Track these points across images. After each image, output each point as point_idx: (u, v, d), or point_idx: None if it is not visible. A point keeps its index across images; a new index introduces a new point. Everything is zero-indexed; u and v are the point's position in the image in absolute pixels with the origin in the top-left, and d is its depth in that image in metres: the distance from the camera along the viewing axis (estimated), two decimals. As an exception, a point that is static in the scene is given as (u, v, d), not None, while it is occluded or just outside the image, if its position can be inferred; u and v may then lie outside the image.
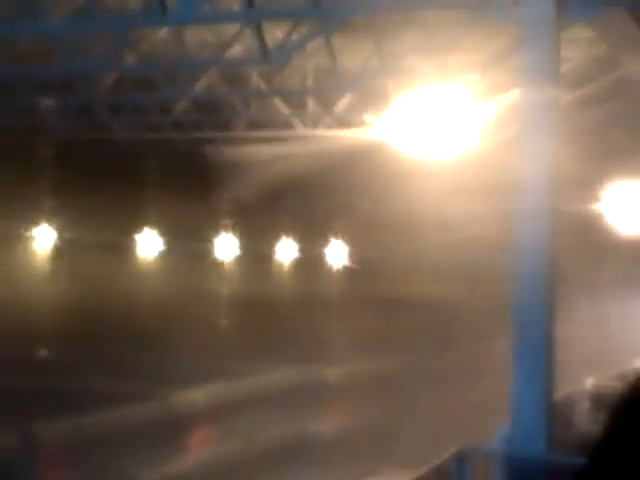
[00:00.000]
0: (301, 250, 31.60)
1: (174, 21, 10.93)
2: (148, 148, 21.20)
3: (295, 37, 12.61)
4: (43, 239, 24.84)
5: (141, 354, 14.81)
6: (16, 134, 20.35)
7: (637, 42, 11.46)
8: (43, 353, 16.07)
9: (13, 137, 20.62)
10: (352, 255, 30.32)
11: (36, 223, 24.60)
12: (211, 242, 28.41)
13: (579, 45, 12.72)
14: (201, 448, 11.68)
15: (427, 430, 14.21)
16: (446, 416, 14.16)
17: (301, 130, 16.34)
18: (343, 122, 16.07)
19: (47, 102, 16.92)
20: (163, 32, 13.40)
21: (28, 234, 24.69)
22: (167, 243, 27.57)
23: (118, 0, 11.77)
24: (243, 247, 29.33)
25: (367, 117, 15.31)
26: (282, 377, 13.71)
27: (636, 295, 23.53)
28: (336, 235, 30.54)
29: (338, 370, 14.63)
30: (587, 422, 10.08)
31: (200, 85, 15.26)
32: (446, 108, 12.14)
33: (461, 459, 7.28)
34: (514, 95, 9.28)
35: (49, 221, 24.71)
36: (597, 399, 10.54)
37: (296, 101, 16.16)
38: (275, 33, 12.58)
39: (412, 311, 21.02)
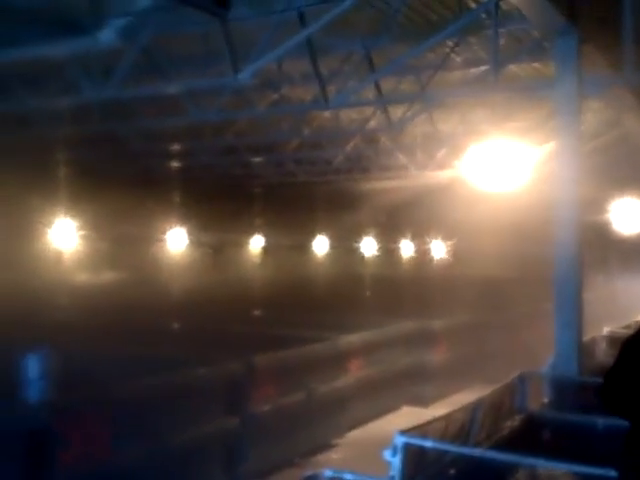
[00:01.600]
0: (416, 247, 31.67)
1: (333, 106, 11.06)
2: (318, 187, 21.46)
3: (409, 113, 12.68)
4: (256, 244, 25.43)
5: (316, 314, 14.98)
6: (237, 179, 20.84)
7: (634, 108, 11.21)
8: (258, 313, 16.29)
9: (236, 181, 21.13)
10: (447, 250, 30.37)
11: (252, 234, 25.24)
12: (358, 243, 28.68)
13: (593, 111, 12.48)
14: (356, 370, 11.71)
15: (500, 361, 14.10)
16: (512, 352, 13.95)
17: (413, 172, 16.38)
18: (440, 166, 16.06)
19: (257, 159, 17.30)
20: (326, 113, 13.63)
21: (247, 241, 25.31)
22: (332, 245, 27.97)
23: (303, 93, 11.92)
24: (378, 246, 29.56)
25: (455, 162, 15.28)
26: (405, 327, 13.71)
27: (634, 274, 23.53)
28: (436, 236, 30.52)
29: (440, 323, 14.53)
30: (604, 356, 9.89)
31: (350, 145, 15.43)
32: (507, 154, 11.97)
33: (522, 380, 7.22)
34: (552, 145, 9.24)
35: (260, 232, 25.32)
36: (611, 340, 10.26)
37: (410, 153, 16.19)
38: (396, 111, 12.67)
39: (488, 285, 20.78)
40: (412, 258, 32.43)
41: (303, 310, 15.66)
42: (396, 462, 4.57)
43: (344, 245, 28.20)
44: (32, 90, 10.40)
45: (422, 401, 13.12)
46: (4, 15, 6.96)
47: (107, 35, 6.49)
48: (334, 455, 10.36)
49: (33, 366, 6.25)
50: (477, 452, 5.34)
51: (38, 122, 12.60)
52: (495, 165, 12.32)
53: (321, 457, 10.11)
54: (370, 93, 11.19)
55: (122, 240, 21.62)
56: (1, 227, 18.13)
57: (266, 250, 25.59)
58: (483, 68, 10.46)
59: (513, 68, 10.37)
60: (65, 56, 8.31)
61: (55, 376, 6.35)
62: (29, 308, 14.63)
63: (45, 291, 17.61)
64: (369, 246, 29.31)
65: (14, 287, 16.68)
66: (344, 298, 19.29)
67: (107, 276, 21.06)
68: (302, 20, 7.69)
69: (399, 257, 32.10)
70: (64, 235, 19.99)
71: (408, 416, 12.34)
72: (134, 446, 7.20)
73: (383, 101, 11.36)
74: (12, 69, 9.66)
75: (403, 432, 4.77)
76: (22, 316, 13.33)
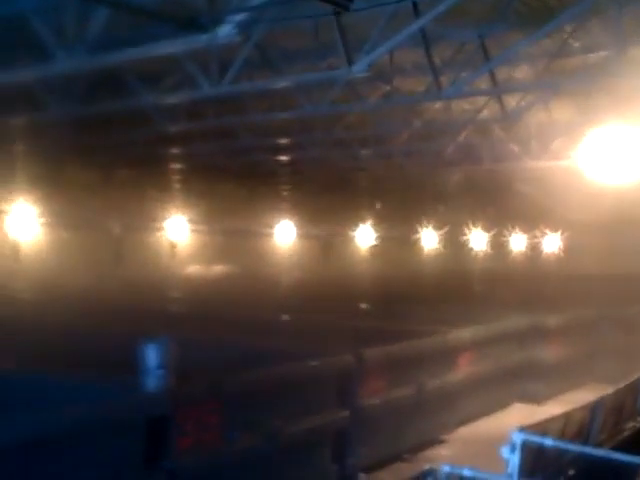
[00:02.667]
0: (527, 240, 30.93)
1: (447, 97, 10.93)
2: (428, 177, 21.18)
3: (523, 102, 12.37)
4: (364, 236, 25.47)
5: (425, 308, 14.84)
6: (345, 172, 20.86)
7: None
8: (367, 305, 16.27)
9: (344, 174, 21.16)
10: (559, 243, 29.42)
11: (360, 226, 25.32)
12: (467, 235, 28.27)
13: None
14: (466, 365, 11.51)
15: (615, 359, 13.60)
16: (627, 351, 13.43)
17: (527, 162, 15.98)
18: (555, 156, 15.58)
19: (364, 151, 17.28)
20: (437, 104, 13.46)
21: (355, 234, 25.37)
22: (440, 238, 27.68)
23: (415, 84, 11.84)
24: (488, 239, 29.02)
25: (571, 153, 14.79)
26: (517, 323, 13.37)
27: None
28: (548, 230, 29.70)
29: (554, 318, 14.09)
30: None
31: (461, 136, 15.20)
32: (627, 144, 11.51)
33: (646, 379, 6.94)
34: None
35: (368, 225, 25.36)
36: None
37: (524, 144, 15.79)
38: (510, 100, 12.38)
39: (602, 280, 20.09)
40: (523, 251, 31.70)
41: (412, 303, 15.54)
42: (514, 459, 4.47)
43: (452, 237, 27.84)
44: (149, 87, 10.74)
45: (533, 398, 12.80)
46: (124, 15, 7.21)
47: (225, 31, 6.63)
48: (443, 451, 10.23)
49: (152, 355, 6.43)
50: (600, 452, 5.15)
51: (154, 118, 13.00)
52: (613, 155, 11.86)
53: (430, 453, 10.01)
54: (483, 82, 10.99)
55: (232, 233, 22.11)
56: (118, 223, 18.86)
57: (374, 243, 25.58)
58: (602, 53, 10.08)
59: (635, 52, 9.93)
60: (183, 53, 8.54)
61: (172, 365, 6.52)
62: (147, 299, 15.19)
63: (161, 283, 18.23)
64: (478, 239, 28.82)
65: (133, 279, 17.36)
66: (453, 291, 19.04)
67: (218, 269, 21.59)
68: (416, 10, 7.61)
69: (510, 250, 31.43)
70: (177, 229, 20.63)
71: (519, 413, 12.07)
72: (246, 436, 7.31)
73: (497, 90, 11.12)
74: (131, 67, 10.01)
75: (522, 429, 4.65)
76: (140, 307, 13.86)
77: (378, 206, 24.64)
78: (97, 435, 5.59)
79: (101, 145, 16.14)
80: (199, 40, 6.93)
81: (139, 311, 12.87)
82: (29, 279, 16.28)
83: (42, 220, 17.35)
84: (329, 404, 8.55)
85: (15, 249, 16.81)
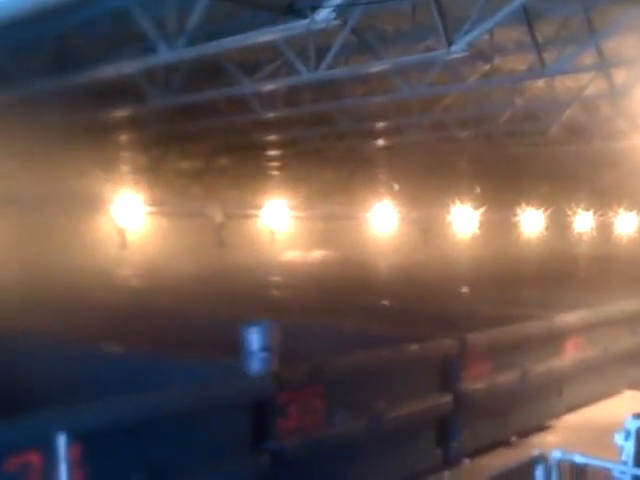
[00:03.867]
0: (634, 221, 29.83)
1: (551, 74, 10.66)
2: (530, 158, 20.65)
3: (632, 77, 11.91)
4: (464, 220, 25.08)
5: (528, 291, 14.58)
6: (443, 155, 20.61)
7: None
8: (467, 289, 16.06)
9: (442, 157, 20.92)
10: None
11: (458, 210, 24.93)
12: (571, 217, 27.48)
13: None
14: (573, 350, 11.25)
15: None
16: None
17: (637, 140, 15.42)
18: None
19: (464, 133, 17.03)
20: (540, 82, 13.13)
21: (453, 217, 25.01)
22: (542, 219, 27.01)
23: (516, 62, 11.60)
24: (594, 220, 28.13)
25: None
26: (627, 306, 12.94)
27: None
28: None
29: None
30: None
31: (566, 114, 14.78)
32: None
33: None
34: None
35: (467, 207, 24.93)
36: None
37: (633, 120, 15.18)
38: (618, 75, 11.96)
39: None
40: (631, 232, 30.57)
41: (516, 287, 15.28)
42: (629, 447, 4.38)
43: (556, 219, 27.14)
44: (247, 74, 10.92)
45: (645, 385, 12.40)
46: (224, 5, 7.37)
47: (323, 16, 6.68)
48: (551, 438, 10.07)
49: (256, 339, 6.61)
50: None
51: (252, 105, 13.21)
52: None
53: (537, 439, 9.87)
54: (588, 58, 10.65)
55: (330, 218, 22.25)
56: (219, 209, 19.30)
57: (475, 225, 25.20)
58: None
59: None
60: (281, 39, 8.65)
61: (276, 349, 6.69)
62: (248, 284, 15.55)
63: (261, 268, 18.59)
64: (583, 220, 27.99)
65: (235, 265, 17.76)
66: (558, 274, 18.60)
67: (317, 254, 21.80)
68: (517, -14, 7.46)
69: (616, 231, 30.38)
70: (276, 215, 20.92)
71: (631, 401, 11.70)
72: (349, 419, 7.41)
73: (604, 65, 10.74)
74: (229, 55, 10.21)
75: (637, 416, 4.54)
76: (242, 292, 14.19)
77: (478, 188, 24.25)
78: (205, 415, 5.80)
79: (201, 133, 16.53)
80: (298, 26, 7.01)
81: (241, 296, 13.19)
82: (136, 266, 16.90)
83: (146, 209, 17.93)
84: (432, 388, 8.56)
85: (122, 237, 17.45)
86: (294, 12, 6.58)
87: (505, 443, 9.47)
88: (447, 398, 8.70)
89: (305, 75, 9.42)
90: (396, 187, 23.35)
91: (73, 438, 4.49)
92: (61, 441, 4.35)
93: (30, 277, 13.38)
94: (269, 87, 11.29)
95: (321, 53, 9.18)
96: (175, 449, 5.63)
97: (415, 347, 8.38)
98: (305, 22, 6.75)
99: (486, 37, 9.81)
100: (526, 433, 9.89)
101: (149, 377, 6.50)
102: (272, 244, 21.15)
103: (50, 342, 8.12)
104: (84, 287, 12.94)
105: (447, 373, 8.78)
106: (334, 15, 6.72)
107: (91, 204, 16.98)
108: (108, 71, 9.64)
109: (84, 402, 5.02)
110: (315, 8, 6.62)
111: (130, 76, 10.62)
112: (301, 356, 7.38)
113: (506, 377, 9.62)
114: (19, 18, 6.34)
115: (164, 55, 8.33)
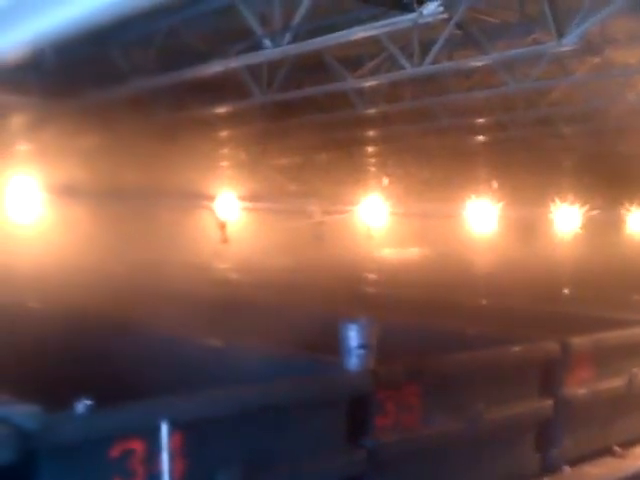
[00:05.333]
0: None
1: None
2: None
3: None
4: (567, 218, 24.41)
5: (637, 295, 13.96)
6: (547, 152, 20.09)
7: None
8: (570, 291, 15.56)
9: (546, 154, 20.37)
10: None
11: (562, 208, 24.26)
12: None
13: None
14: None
15: None
16: None
17: None
18: None
19: (570, 129, 16.57)
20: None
21: (556, 216, 24.35)
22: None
23: (628, 55, 11.15)
24: None
25: None
26: None
27: None
28: None
29: None
30: None
31: None
32: None
33: None
34: None
35: (572, 206, 24.27)
36: None
37: None
38: None
39: None
40: None
41: (620, 289, 14.70)
42: None
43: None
44: (350, 70, 10.93)
45: None
46: (330, 1, 7.39)
47: (430, 9, 6.61)
48: (657, 449, 9.64)
49: (353, 335, 6.60)
50: None
51: (353, 101, 13.22)
52: None
53: (642, 449, 9.47)
54: None
55: (429, 215, 22.06)
56: (318, 205, 19.40)
57: (579, 224, 24.47)
58: None
59: None
60: (385, 34, 8.62)
61: (373, 346, 6.66)
62: (345, 281, 15.56)
63: (358, 265, 18.57)
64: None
65: (332, 262, 17.82)
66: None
67: (414, 251, 21.65)
68: (632, -25, 7.16)
69: None
70: (374, 211, 20.90)
71: None
72: (446, 419, 7.32)
73: None
74: (333, 51, 10.24)
75: None
76: (339, 288, 14.21)
77: (582, 186, 23.51)
78: (302, 410, 5.84)
79: (300, 130, 16.67)
80: (404, 20, 6.96)
81: (338, 292, 13.21)
82: (236, 260, 17.20)
83: (246, 204, 18.23)
84: (532, 392, 8.33)
85: (223, 231, 17.80)
86: (401, 6, 6.53)
87: (608, 452, 9.13)
88: (548, 403, 8.46)
89: (409, 70, 9.36)
90: (495, 185, 22.93)
91: (175, 427, 4.59)
92: (164, 430, 4.44)
93: (135, 270, 13.80)
94: (371, 83, 11.27)
95: (424, 48, 9.09)
96: (272, 443, 5.68)
97: (516, 349, 8.18)
98: (412, 16, 6.69)
99: (596, 28, 9.49)
100: (631, 443, 9.50)
101: (247, 370, 6.59)
102: (369, 241, 21.13)
103: (154, 334, 8.35)
104: (186, 280, 13.26)
105: (549, 377, 8.53)
106: (441, 9, 6.63)
107: (193, 199, 17.39)
108: (215, 67, 9.83)
109: (186, 393, 5.14)
110: (422, 2, 6.55)
111: (233, 72, 10.80)
112: (398, 354, 7.33)
113: (611, 383, 9.26)
114: (130, 15, 6.54)
115: (269, 51, 8.43)
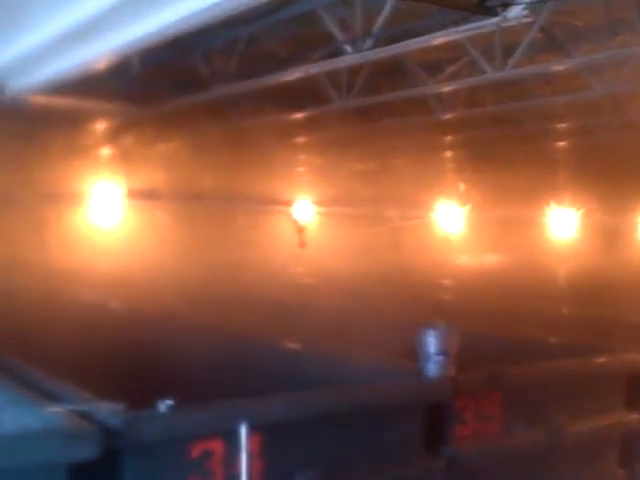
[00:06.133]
0: None
1: None
2: None
3: None
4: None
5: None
6: (630, 156, 19.48)
7: None
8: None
9: (628, 158, 19.77)
10: None
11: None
12: None
13: None
14: None
15: None
16: None
17: None
18: None
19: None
20: None
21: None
22: None
23: None
24: None
25: None
26: None
27: None
28: None
29: None
30: None
31: None
32: None
33: None
34: None
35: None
36: None
37: None
38: None
39: None
40: None
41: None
42: None
43: None
44: (430, 74, 10.86)
45: None
46: (411, 5, 7.36)
47: (514, 13, 6.51)
48: None
49: (432, 342, 6.53)
50: None
51: (432, 106, 13.14)
52: None
53: None
54: None
55: (507, 222, 21.68)
56: (394, 210, 19.30)
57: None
58: None
59: None
60: (467, 38, 8.53)
61: (452, 353, 6.57)
62: (422, 287, 15.42)
63: (435, 271, 18.39)
64: None
65: (409, 267, 17.71)
66: None
67: (492, 258, 21.32)
68: None
69: None
70: (451, 217, 20.69)
71: None
72: (527, 429, 7.16)
73: None
74: (413, 55, 10.20)
75: None
76: (417, 294, 14.10)
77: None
78: (379, 416, 5.81)
79: (376, 135, 16.66)
80: (487, 24, 6.87)
81: (415, 299, 13.11)
82: (313, 265, 17.27)
83: (323, 209, 18.30)
84: (616, 405, 8.09)
85: (301, 236, 17.92)
86: (484, 10, 6.45)
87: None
88: (634, 417, 8.19)
89: (491, 74, 9.24)
90: (577, 190, 22.41)
91: (254, 429, 4.62)
92: (243, 432, 4.48)
93: (213, 273, 14.01)
94: (451, 87, 11.17)
95: (506, 52, 8.96)
96: (349, 448, 5.67)
97: (600, 360, 7.95)
98: (495, 20, 6.60)
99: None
100: None
101: (324, 375, 6.60)
102: (446, 247, 20.93)
103: (231, 337, 8.45)
104: (263, 284, 13.38)
105: (634, 390, 8.26)
106: (526, 12, 6.52)
107: (271, 203, 17.56)
108: (295, 74, 9.92)
109: (264, 396, 5.17)
110: (506, 5, 6.46)
111: (311, 78, 10.87)
112: (478, 362, 7.22)
113: None
114: (213, 23, 6.65)
115: (350, 57, 8.45)
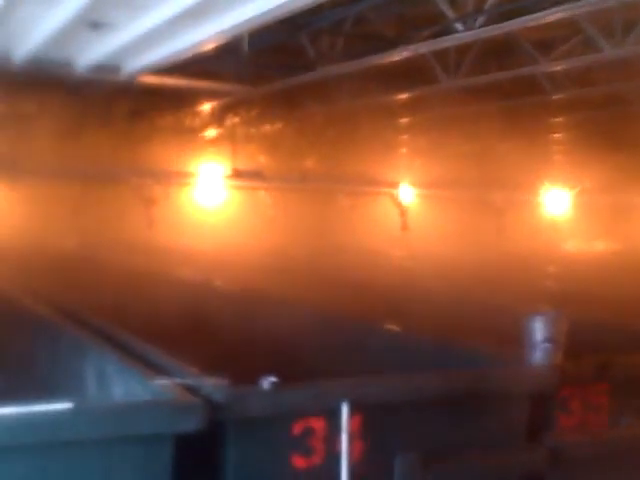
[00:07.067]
0: None
1: None
2: None
3: None
4: None
5: None
6: None
7: None
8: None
9: None
10: None
11: None
12: None
13: None
14: None
15: None
16: None
17: None
18: None
19: None
20: None
21: None
22: None
23: None
24: None
25: None
26: None
27: None
28: None
29: None
30: None
31: None
32: None
33: None
34: None
35: None
36: None
37: None
38: None
39: None
40: None
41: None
42: None
43: None
44: (541, 53, 10.54)
45: None
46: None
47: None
48: None
49: (539, 329, 6.37)
50: None
51: (543, 85, 12.76)
52: None
53: None
54: None
55: (619, 207, 20.88)
56: (500, 194, 18.85)
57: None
58: None
59: None
60: (583, 14, 8.22)
61: (560, 341, 6.39)
62: (527, 273, 15.08)
63: (541, 257, 17.94)
64: None
65: (514, 252, 17.32)
66: None
67: (601, 244, 20.59)
68: None
69: None
70: (558, 201, 20.10)
71: None
72: (636, 422, 6.91)
73: None
74: (524, 34, 9.92)
75: None
76: (521, 280, 13.82)
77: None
78: (482, 402, 5.72)
79: (483, 116, 16.33)
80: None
81: (520, 285, 12.84)
82: (414, 248, 17.16)
83: (424, 191, 18.13)
84: None
85: (404, 219, 17.84)
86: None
87: None
88: None
89: (608, 52, 8.86)
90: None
91: (355, 409, 4.64)
92: (344, 411, 4.50)
93: (314, 254, 14.11)
94: (563, 66, 10.80)
95: (627, 27, 8.57)
96: (450, 433, 5.61)
97: None
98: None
99: None
100: None
101: (426, 359, 6.54)
102: (552, 231, 20.38)
103: (331, 318, 8.49)
104: (364, 266, 13.39)
105: None
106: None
107: (373, 185, 17.51)
108: (404, 53, 9.81)
109: (365, 377, 5.18)
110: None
111: (417, 58, 10.73)
112: (587, 350, 7.00)
113: None
114: (321, 2, 6.64)
115: (461, 35, 8.28)
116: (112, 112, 16.61)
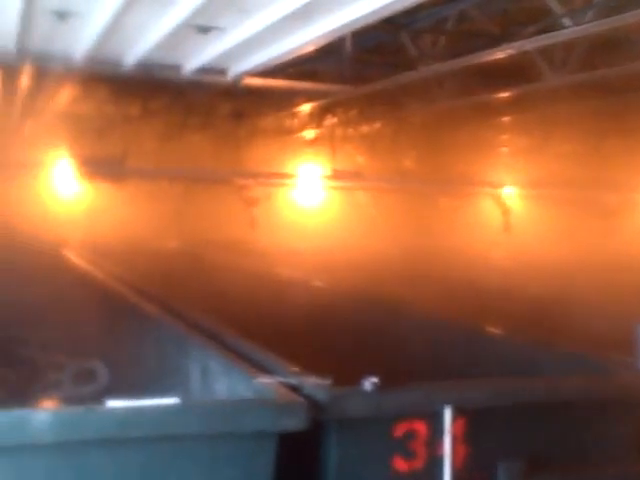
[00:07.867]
0: None
1: None
2: None
3: None
4: None
5: None
6: None
7: None
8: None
9: None
10: None
11: None
12: None
13: None
14: None
15: None
16: None
17: None
18: None
19: None
20: None
21: None
22: None
23: None
24: None
25: None
26: None
27: None
28: None
29: None
30: None
31: None
32: None
33: None
34: None
35: None
36: None
37: None
38: None
39: None
40: None
41: None
42: None
43: None
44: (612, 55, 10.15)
45: None
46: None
47: None
48: None
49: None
50: None
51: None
52: None
53: None
54: None
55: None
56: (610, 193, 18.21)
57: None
58: None
59: None
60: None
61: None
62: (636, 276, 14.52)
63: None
64: None
65: (625, 255, 16.71)
66: None
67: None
68: None
69: None
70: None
71: None
72: None
73: None
74: (634, 28, 9.56)
75: None
76: (626, 283, 13.31)
77: None
78: (591, 409, 5.54)
79: (588, 114, 15.84)
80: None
81: (627, 288, 12.39)
82: (516, 250, 16.80)
83: (528, 191, 17.74)
84: None
85: (506, 220, 17.51)
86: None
87: None
88: None
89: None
90: None
91: (458, 413, 4.57)
92: (447, 414, 4.44)
93: (413, 255, 14.02)
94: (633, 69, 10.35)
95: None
96: (557, 440, 5.45)
97: None
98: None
99: None
100: None
101: (526, 363, 6.39)
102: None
103: (429, 320, 8.39)
104: (464, 267, 13.21)
105: None
106: None
107: (473, 185, 17.26)
108: (509, 50, 9.61)
109: (467, 380, 5.09)
110: None
111: (521, 55, 10.49)
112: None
113: None
114: (423, 1, 6.58)
115: (569, 31, 8.03)
116: (215, 114, 16.99)
